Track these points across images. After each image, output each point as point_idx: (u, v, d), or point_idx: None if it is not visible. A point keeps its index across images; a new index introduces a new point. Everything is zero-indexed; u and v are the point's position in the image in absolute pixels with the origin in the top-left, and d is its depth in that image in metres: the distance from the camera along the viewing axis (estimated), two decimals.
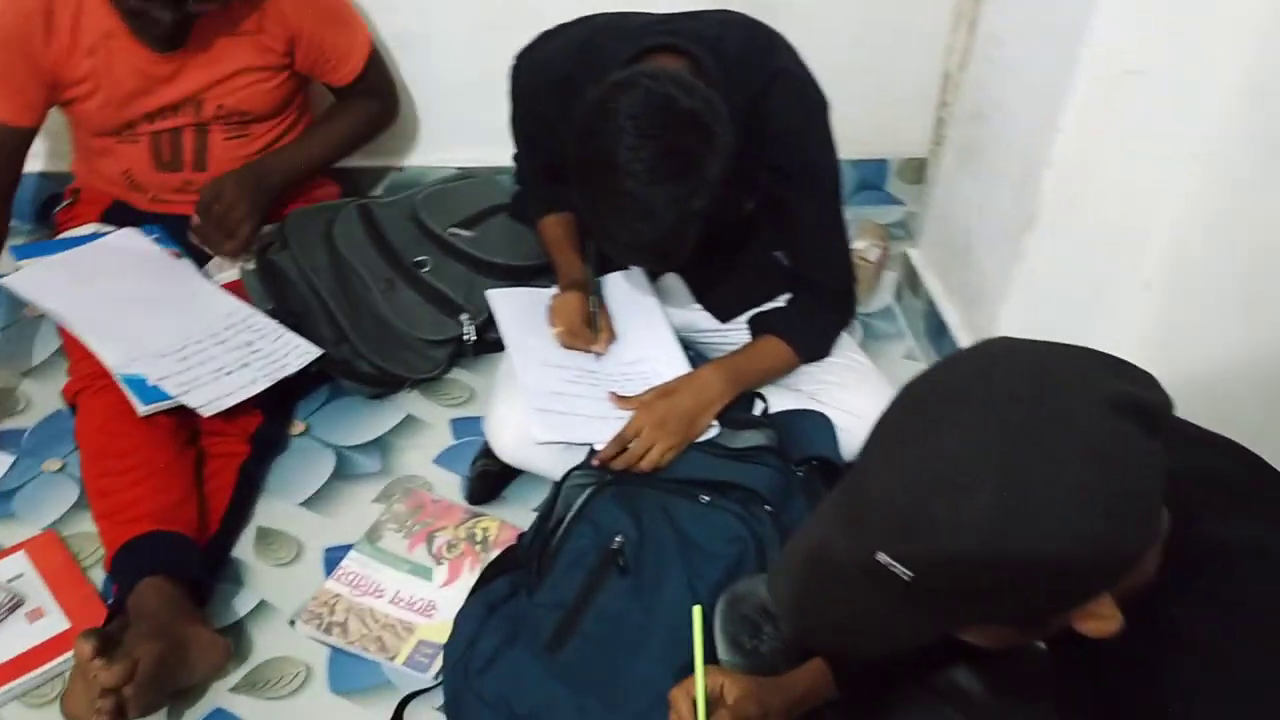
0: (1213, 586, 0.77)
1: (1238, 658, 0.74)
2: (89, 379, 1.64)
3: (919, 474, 0.74)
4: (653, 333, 1.71)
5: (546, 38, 1.67)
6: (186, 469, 1.61)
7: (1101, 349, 0.77)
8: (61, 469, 1.76)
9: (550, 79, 1.60)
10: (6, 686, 1.43)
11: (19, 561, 1.59)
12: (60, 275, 1.78)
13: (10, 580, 1.55)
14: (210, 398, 1.62)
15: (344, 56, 1.91)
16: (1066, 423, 0.70)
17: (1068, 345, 0.77)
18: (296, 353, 1.74)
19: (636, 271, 1.78)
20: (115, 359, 1.61)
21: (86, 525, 1.65)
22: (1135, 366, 0.76)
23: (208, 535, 1.59)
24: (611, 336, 1.68)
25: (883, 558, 0.72)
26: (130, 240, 1.86)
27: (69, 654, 1.42)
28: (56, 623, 1.51)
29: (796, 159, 1.56)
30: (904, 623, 0.76)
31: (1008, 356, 0.76)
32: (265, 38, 1.79)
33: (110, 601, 1.50)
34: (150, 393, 1.59)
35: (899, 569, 0.72)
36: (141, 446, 1.58)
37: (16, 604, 1.52)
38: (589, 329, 1.66)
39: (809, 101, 1.55)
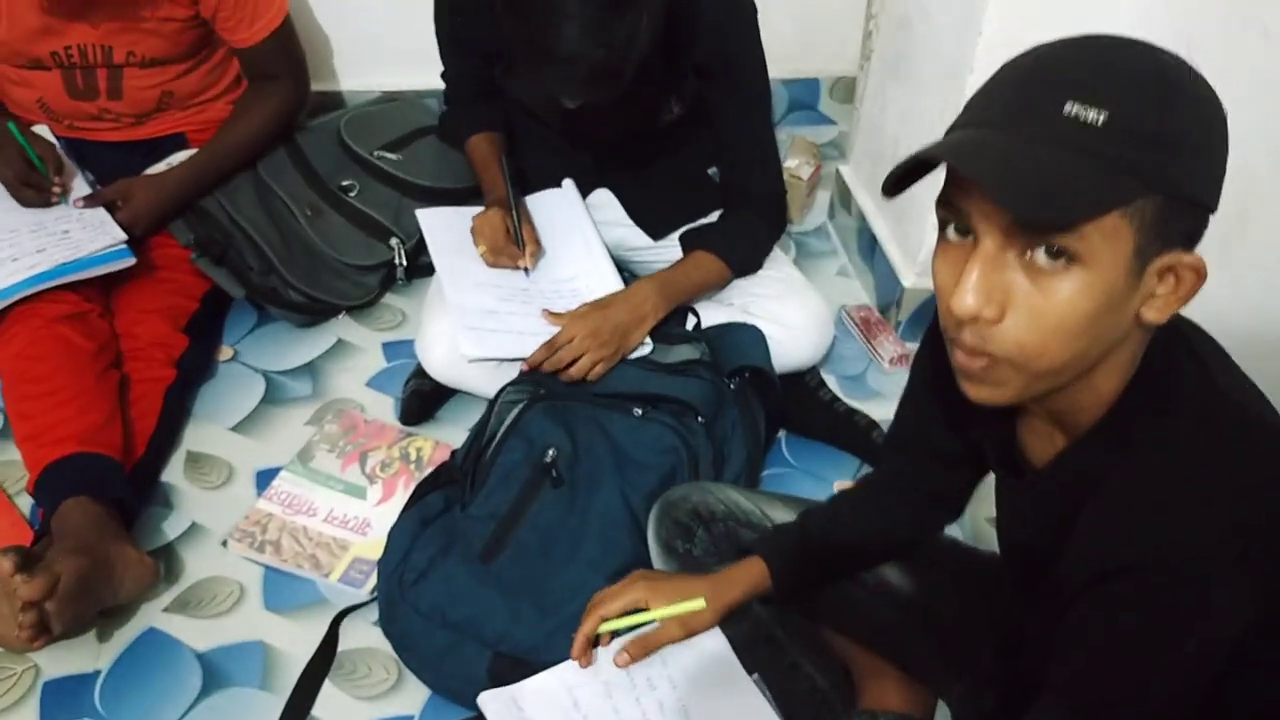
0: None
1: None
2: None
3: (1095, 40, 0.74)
4: (586, 249, 1.70)
5: None
6: (109, 392, 1.57)
7: None
8: None
9: None
10: None
11: None
12: None
13: None
14: None
15: (250, 21, 1.79)
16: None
17: None
18: (106, 239, 1.69)
19: (569, 188, 1.77)
20: None
21: (10, 454, 1.61)
22: None
23: (134, 459, 1.56)
24: (538, 250, 1.67)
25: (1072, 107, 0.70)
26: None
27: None
28: None
29: (724, 58, 1.57)
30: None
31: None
32: None
33: (38, 528, 1.48)
34: None
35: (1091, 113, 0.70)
36: (61, 369, 1.55)
37: None
38: (512, 245, 1.65)
39: (737, 0, 1.55)
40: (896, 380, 1.79)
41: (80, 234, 1.69)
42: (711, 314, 1.69)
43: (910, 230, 1.82)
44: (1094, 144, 0.70)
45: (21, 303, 1.61)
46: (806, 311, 1.70)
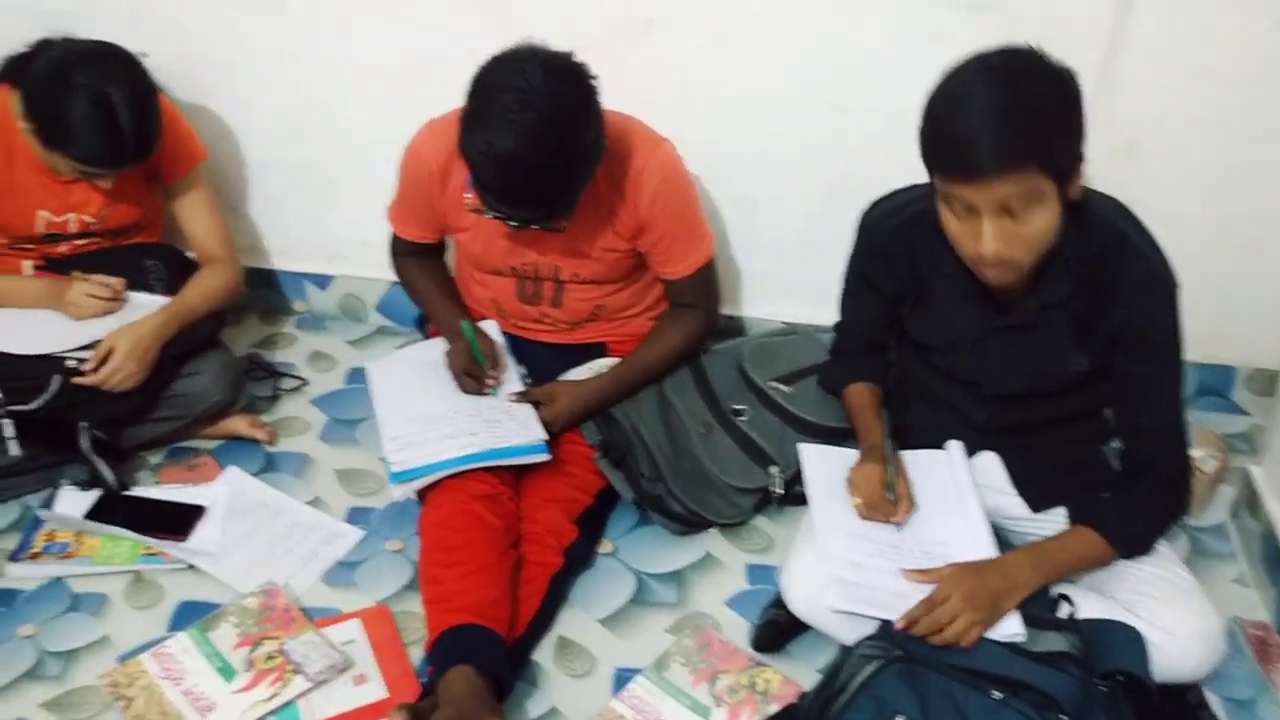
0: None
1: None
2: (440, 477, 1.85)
3: None
4: (964, 515, 1.70)
5: (897, 193, 1.77)
6: (507, 571, 1.76)
7: None
8: (400, 550, 1.96)
9: (903, 217, 1.69)
10: None
11: (354, 628, 1.79)
12: (400, 368, 2.10)
13: (344, 643, 1.74)
14: (417, 457, 1.86)
15: (680, 258, 2.00)
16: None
17: None
18: (529, 434, 1.90)
19: (955, 449, 1.78)
20: (389, 447, 1.90)
21: (413, 606, 1.83)
22: None
23: (515, 635, 1.72)
24: (911, 506, 1.70)
25: None
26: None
27: None
28: (376, 690, 1.68)
29: (1141, 328, 1.56)
30: None
31: None
32: (619, 224, 1.94)
33: (424, 680, 1.66)
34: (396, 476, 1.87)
35: None
36: (473, 543, 1.75)
37: (346, 666, 1.70)
38: (887, 501, 1.69)
39: (1160, 275, 1.56)
40: None
41: (508, 425, 1.92)
42: (1089, 604, 1.62)
43: None
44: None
45: (450, 477, 1.84)
46: (1195, 620, 1.59)
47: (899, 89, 2.08)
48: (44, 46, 2.02)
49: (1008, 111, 1.37)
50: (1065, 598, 1.62)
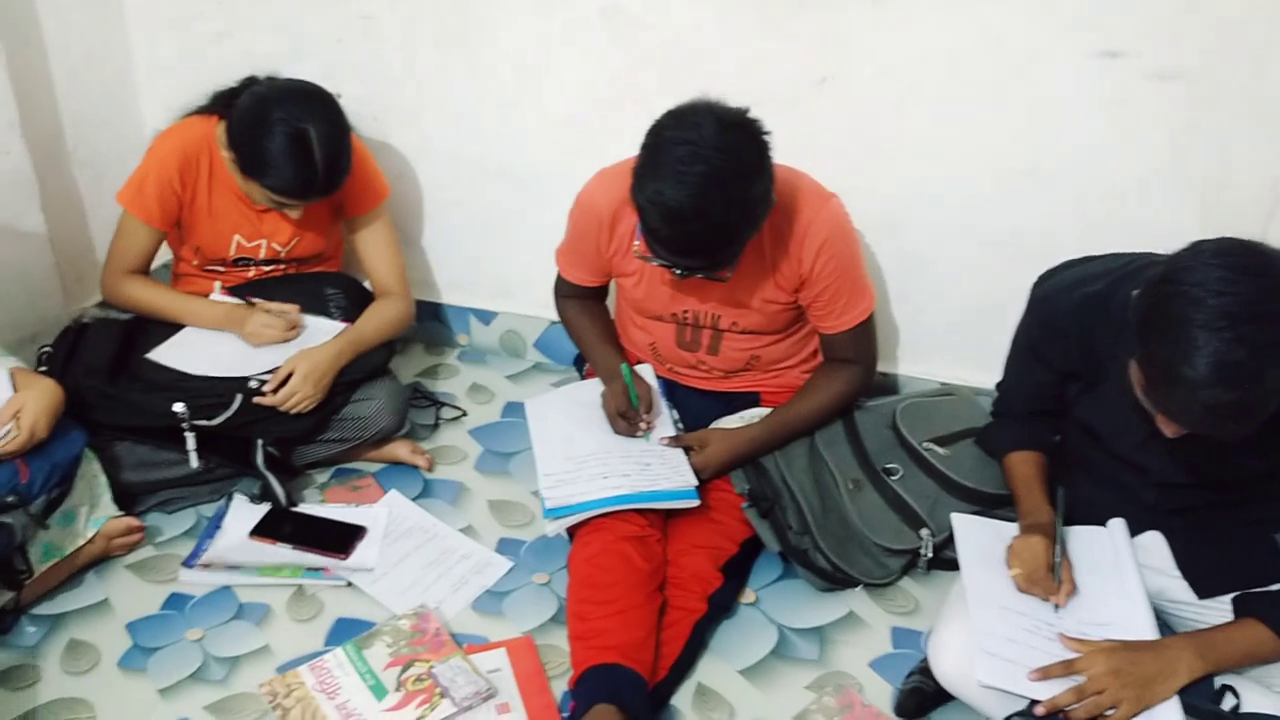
0: None
1: None
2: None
3: None
4: (1125, 597, 1.64)
5: (1075, 263, 1.74)
6: (652, 613, 1.78)
7: None
8: (547, 583, 2.01)
9: (1079, 296, 1.65)
10: None
11: (499, 657, 1.83)
12: (557, 407, 2.16)
13: (490, 671, 1.79)
14: (570, 494, 1.90)
15: (840, 313, 2.00)
16: None
17: None
18: (679, 479, 1.93)
19: (1118, 528, 1.72)
20: (544, 483, 1.95)
21: (557, 640, 1.87)
22: None
23: (656, 679, 1.73)
24: (1073, 590, 1.65)
25: None
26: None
27: None
28: None
29: None
30: None
31: None
32: (781, 277, 1.95)
33: (565, 715, 1.69)
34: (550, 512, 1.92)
35: None
36: (620, 583, 1.78)
37: (490, 694, 1.74)
38: (1050, 578, 1.64)
39: None
40: None
41: (659, 468, 1.94)
42: (1254, 698, 1.54)
43: None
44: None
45: (600, 516, 1.88)
46: None
47: (1079, 154, 2.08)
48: (250, 83, 2.18)
49: (1240, 404, 1.32)
50: (1230, 689, 1.55)
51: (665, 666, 1.76)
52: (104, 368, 2.08)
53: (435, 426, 2.46)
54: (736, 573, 1.96)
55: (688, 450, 2.00)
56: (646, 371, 2.16)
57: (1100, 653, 1.51)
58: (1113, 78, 1.97)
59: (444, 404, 2.52)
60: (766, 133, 1.73)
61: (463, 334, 2.77)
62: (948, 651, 1.64)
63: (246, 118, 2.05)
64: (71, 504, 1.92)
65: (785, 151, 1.78)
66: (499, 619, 1.93)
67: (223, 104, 2.17)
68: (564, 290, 2.22)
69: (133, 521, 2.03)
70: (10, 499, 1.76)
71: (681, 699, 1.78)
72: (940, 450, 2.03)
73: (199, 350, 2.17)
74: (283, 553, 2.02)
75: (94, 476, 1.98)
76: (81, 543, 1.94)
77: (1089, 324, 1.64)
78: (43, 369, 2.07)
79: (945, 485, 1.99)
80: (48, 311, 2.43)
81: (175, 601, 1.95)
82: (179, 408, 2.02)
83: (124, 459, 2.05)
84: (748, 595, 1.99)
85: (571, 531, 1.93)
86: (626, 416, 2.03)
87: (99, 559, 2.00)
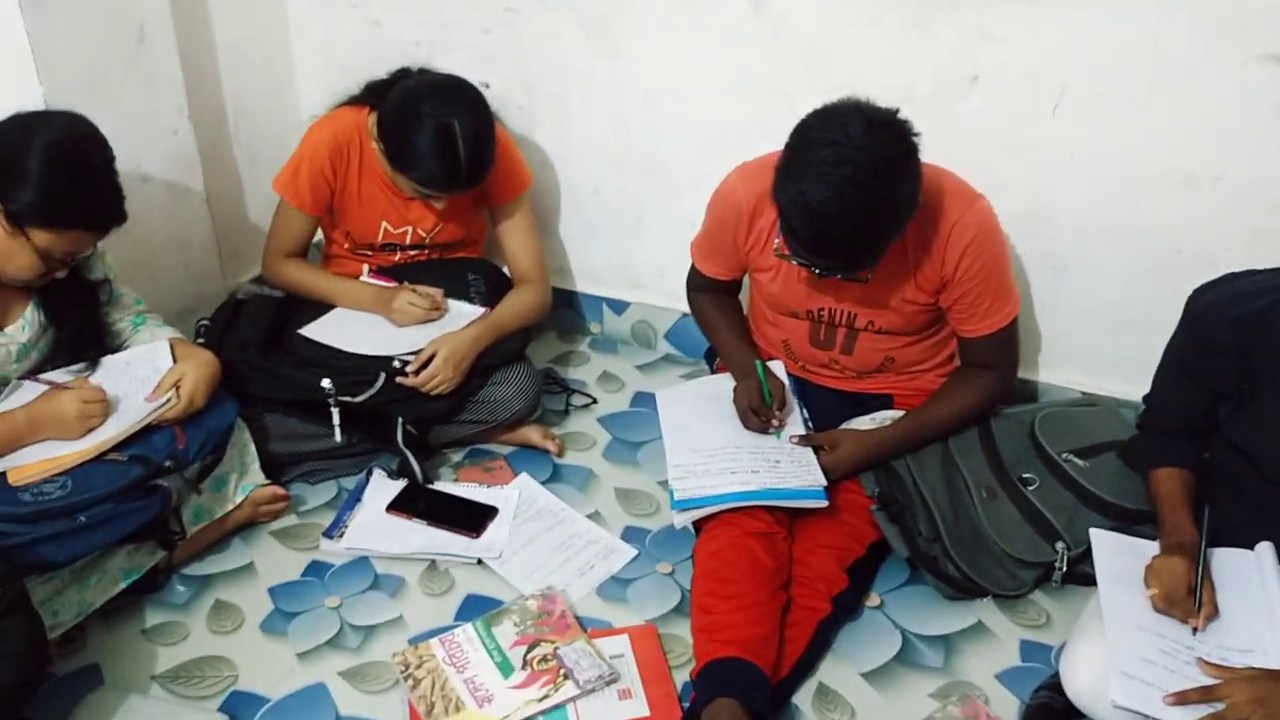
0: None
1: None
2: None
3: None
4: (1270, 622, 1.57)
5: (1234, 277, 1.67)
6: (776, 611, 1.78)
7: None
8: (671, 573, 2.03)
9: (1238, 312, 1.60)
10: None
11: (622, 643, 1.85)
12: (688, 399, 2.17)
13: (613, 656, 1.81)
14: (698, 487, 1.90)
15: (982, 317, 1.95)
16: None
17: None
18: (808, 478, 1.92)
19: (1265, 553, 1.65)
20: (673, 474, 1.96)
21: (679, 629, 1.88)
22: None
23: (778, 677, 1.73)
24: (1213, 615, 1.59)
25: None
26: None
27: None
28: (638, 708, 1.73)
29: None
30: None
31: None
32: (923, 278, 1.92)
33: (686, 705, 1.71)
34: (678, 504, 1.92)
35: None
36: (745, 578, 1.78)
37: (613, 679, 1.77)
38: (1189, 600, 1.58)
39: None
40: None
41: (789, 466, 1.94)
42: None
43: None
44: None
45: (728, 511, 1.89)
46: None
47: (1241, 163, 1.99)
48: (402, 75, 2.25)
49: None
50: None
51: (788, 665, 1.76)
52: (258, 343, 2.18)
53: (566, 412, 2.50)
54: (862, 575, 1.95)
55: (818, 450, 1.99)
56: (778, 369, 2.15)
57: (1243, 680, 1.46)
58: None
59: (575, 391, 2.57)
60: (916, 134, 1.70)
61: (595, 323, 2.80)
62: (1082, 669, 1.60)
63: (396, 112, 2.12)
64: (223, 471, 2.03)
65: (931, 150, 1.75)
66: (623, 605, 1.96)
67: (374, 95, 2.24)
68: (697, 283, 2.22)
69: (279, 490, 2.12)
70: (168, 464, 1.86)
71: (802, 698, 1.78)
72: (1080, 462, 1.97)
73: (347, 329, 2.26)
74: (415, 536, 2.08)
75: (244, 445, 2.08)
76: (231, 508, 2.04)
77: (1247, 343, 1.58)
78: (200, 340, 2.17)
79: (1083, 498, 1.93)
80: (206, 285, 2.55)
81: (315, 569, 2.03)
82: (326, 383, 2.10)
83: (273, 430, 2.15)
84: (872, 599, 1.97)
85: (698, 525, 1.94)
86: (758, 413, 2.02)
87: (246, 524, 2.10)
